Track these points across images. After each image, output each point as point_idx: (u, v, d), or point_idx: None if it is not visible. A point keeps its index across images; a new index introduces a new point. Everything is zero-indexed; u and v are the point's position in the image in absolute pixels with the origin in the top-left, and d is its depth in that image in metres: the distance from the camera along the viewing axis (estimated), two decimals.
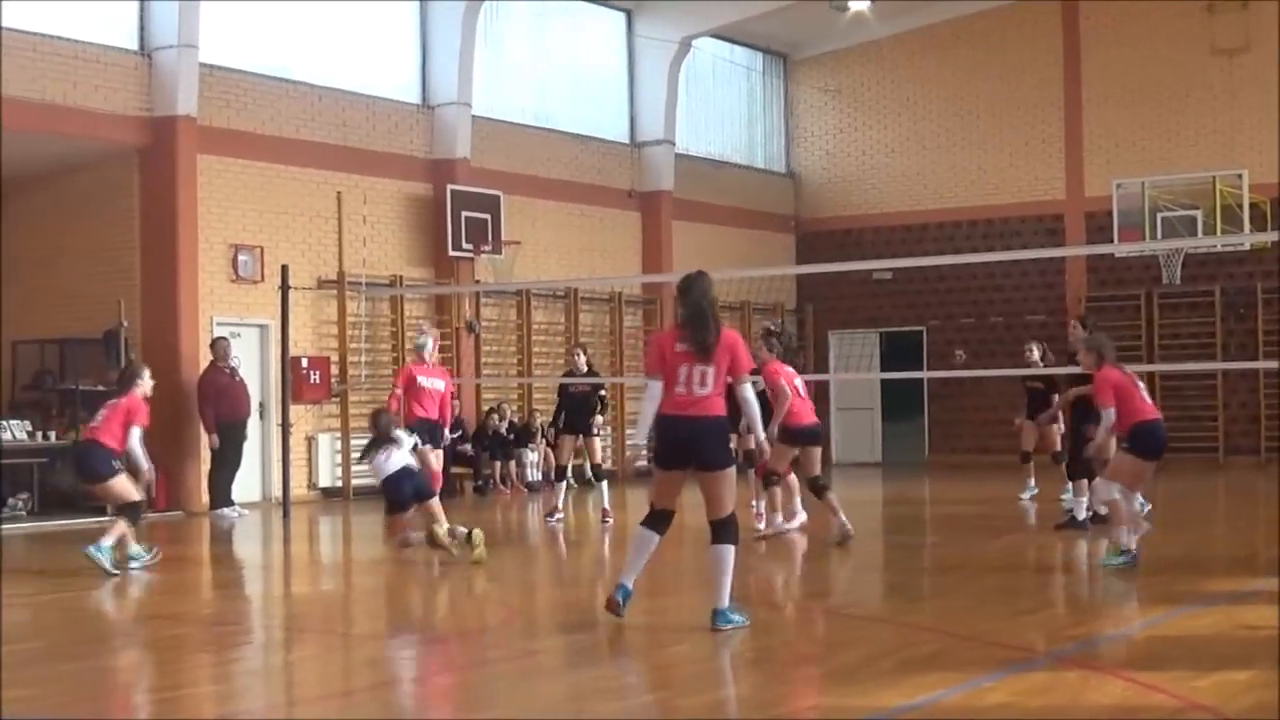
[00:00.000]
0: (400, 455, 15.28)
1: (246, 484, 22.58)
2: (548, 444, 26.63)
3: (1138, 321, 30.62)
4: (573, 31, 29.65)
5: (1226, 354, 29.81)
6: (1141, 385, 14.06)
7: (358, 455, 23.98)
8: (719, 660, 9.97)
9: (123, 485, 14.83)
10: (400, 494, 15.28)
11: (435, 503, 15.46)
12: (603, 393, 20.72)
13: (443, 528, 15.07)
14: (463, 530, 15.09)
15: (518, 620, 11.95)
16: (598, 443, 20.17)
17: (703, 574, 11.59)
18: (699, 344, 10.52)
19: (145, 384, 15.01)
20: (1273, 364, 28.27)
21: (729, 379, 10.69)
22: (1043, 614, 11.65)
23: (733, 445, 11.60)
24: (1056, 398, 20.03)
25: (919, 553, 16.88)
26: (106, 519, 20.39)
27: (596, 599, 11.78)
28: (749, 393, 10.81)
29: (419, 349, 17.89)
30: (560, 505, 19.83)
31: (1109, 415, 13.78)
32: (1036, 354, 21.55)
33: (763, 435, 11.23)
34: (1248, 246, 29.42)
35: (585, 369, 20.45)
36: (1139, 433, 13.82)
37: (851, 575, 14.99)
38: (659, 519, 10.89)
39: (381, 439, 15.40)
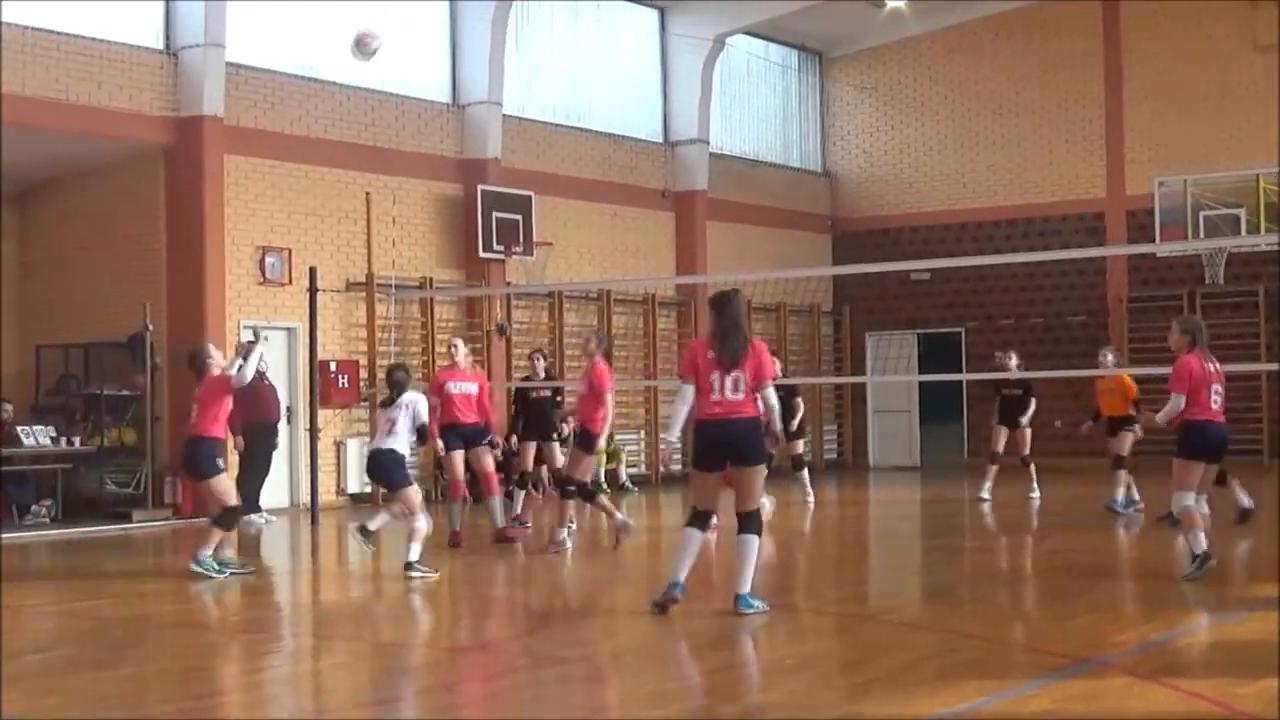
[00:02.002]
0: (394, 434, 14.91)
1: (274, 490, 22.59)
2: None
3: (1183, 315, 30.36)
4: (605, 29, 29.63)
5: (1271, 355, 29.58)
6: (1216, 386, 13.71)
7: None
8: (758, 667, 9.95)
9: (223, 485, 14.91)
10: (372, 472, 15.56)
11: (411, 495, 14.92)
12: (558, 397, 20.76)
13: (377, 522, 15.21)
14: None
15: (549, 627, 11.93)
16: (558, 449, 20.12)
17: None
18: (731, 356, 11.62)
19: (216, 358, 15.26)
20: None
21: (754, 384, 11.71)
22: (1085, 619, 11.57)
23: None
24: (1034, 401, 22.30)
25: (959, 556, 16.82)
26: (139, 525, 20.49)
27: (625, 606, 11.75)
28: (771, 397, 11.82)
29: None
30: (521, 512, 19.74)
31: (1176, 401, 13.56)
32: (1014, 362, 22.82)
33: (779, 426, 12.22)
34: None
35: (544, 375, 20.73)
36: (1186, 431, 13.65)
37: (890, 580, 14.94)
38: (701, 518, 11.85)
39: (387, 403, 15.18)
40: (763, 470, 11.72)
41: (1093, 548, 16.46)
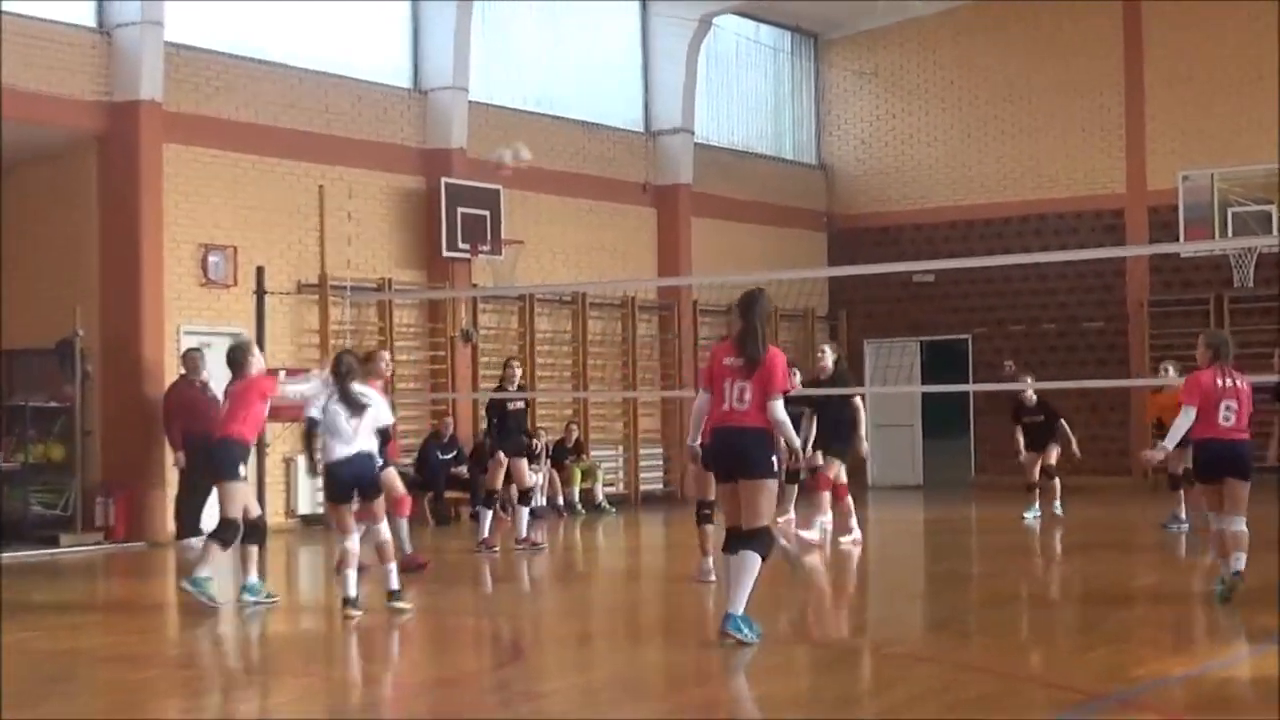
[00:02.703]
0: (353, 435, 13.97)
1: (218, 511, 22.44)
2: (553, 465, 26.62)
3: (1206, 327, 30.42)
4: (580, 8, 29.58)
5: None
6: (1230, 403, 14.11)
7: None
8: (752, 703, 9.92)
9: (232, 494, 14.74)
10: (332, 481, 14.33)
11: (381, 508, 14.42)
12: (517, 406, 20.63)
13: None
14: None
15: (520, 659, 11.89)
16: (525, 465, 20.09)
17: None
18: (746, 360, 11.84)
19: (258, 357, 15.25)
20: None
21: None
22: (1102, 651, 11.56)
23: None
24: (1062, 424, 23.02)
25: (966, 584, 16.80)
26: (67, 550, 20.37)
27: (602, 634, 11.70)
28: (779, 411, 11.78)
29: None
30: (489, 535, 19.71)
31: (1186, 414, 14.06)
32: (1030, 390, 23.30)
33: (798, 444, 12.37)
34: None
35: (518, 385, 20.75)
36: (1195, 449, 14.37)
37: (893, 609, 14.92)
38: (733, 539, 11.82)
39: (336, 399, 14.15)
40: (769, 485, 11.72)
41: (1111, 572, 16.45)
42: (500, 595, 16.23)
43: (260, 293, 22.07)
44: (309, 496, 24.10)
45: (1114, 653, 11.50)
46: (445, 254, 25.64)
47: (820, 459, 19.55)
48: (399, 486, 17.12)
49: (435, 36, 26.22)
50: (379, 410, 14.19)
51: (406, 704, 10.59)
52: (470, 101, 26.50)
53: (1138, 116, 31.89)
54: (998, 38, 33.00)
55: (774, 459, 11.77)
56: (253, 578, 14.68)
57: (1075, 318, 32.14)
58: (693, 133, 30.88)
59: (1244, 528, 14.17)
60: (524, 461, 20.06)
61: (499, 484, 19.97)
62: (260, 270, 22.25)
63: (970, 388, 31.09)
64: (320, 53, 24.88)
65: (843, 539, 19.60)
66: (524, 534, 19.79)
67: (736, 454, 11.76)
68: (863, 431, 20.04)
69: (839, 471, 19.59)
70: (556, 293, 28.00)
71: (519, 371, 20.83)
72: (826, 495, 19.67)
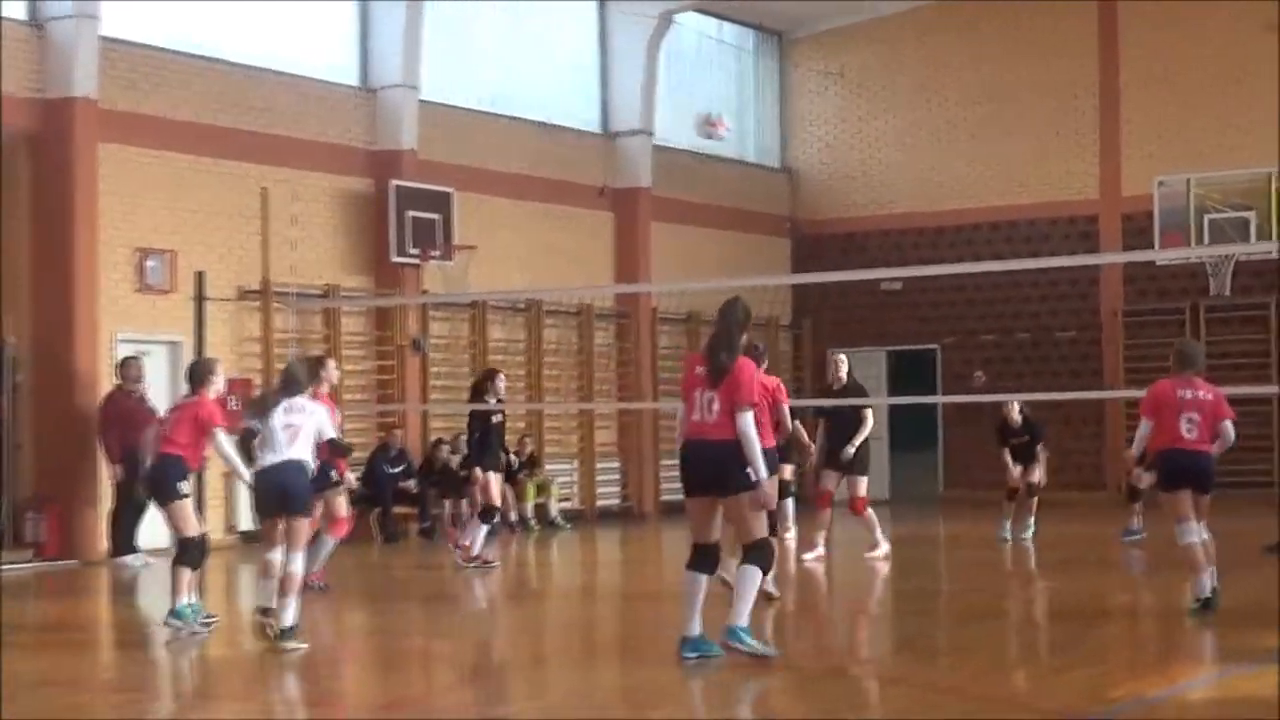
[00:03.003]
0: (286, 445, 13.55)
1: (153, 528, 22.32)
2: (507, 480, 26.53)
3: (1182, 338, 30.49)
4: (537, 5, 29.52)
5: None
6: (1192, 414, 14.37)
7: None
8: None
9: (182, 513, 14.55)
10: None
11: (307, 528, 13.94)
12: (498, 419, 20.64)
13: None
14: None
15: (470, 685, 11.83)
16: (494, 480, 20.02)
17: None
18: (712, 369, 11.75)
19: (219, 381, 14.87)
20: None
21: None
22: (1078, 672, 11.56)
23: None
24: (1040, 447, 22.99)
25: (935, 602, 16.80)
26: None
27: (558, 656, 11.65)
28: (745, 424, 11.64)
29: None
30: (483, 550, 19.67)
31: (1143, 426, 14.65)
32: (1017, 411, 23.27)
33: (764, 472, 11.80)
34: None
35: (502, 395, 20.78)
36: (1158, 460, 14.77)
37: (859, 628, 14.89)
38: (700, 557, 11.80)
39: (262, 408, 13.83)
40: (749, 498, 11.59)
41: (1086, 589, 16.48)
42: (452, 615, 16.16)
43: (200, 299, 21.96)
44: (250, 512, 23.95)
45: (1090, 673, 11.51)
46: (394, 259, 25.56)
47: (824, 477, 19.97)
48: (341, 509, 16.92)
49: (385, 33, 26.14)
50: (321, 423, 13.89)
51: None
52: (421, 101, 26.43)
53: (1112, 119, 31.99)
54: (968, 37, 33.06)
55: (749, 470, 11.60)
56: (184, 600, 14.43)
57: (1047, 327, 32.22)
58: (652, 134, 30.86)
59: (1207, 535, 14.42)
60: (501, 478, 20.02)
61: (497, 499, 19.88)
62: (200, 276, 22.14)
63: (939, 399, 31.15)
64: (264, 49, 24.78)
65: (869, 554, 19.88)
66: (477, 551, 19.70)
67: (706, 468, 11.69)
68: (858, 440, 20.05)
69: (862, 488, 19.95)
70: (510, 300, 27.93)
71: (504, 383, 20.84)
72: (828, 513, 20.05)
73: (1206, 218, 29.53)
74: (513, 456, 25.26)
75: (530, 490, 26.75)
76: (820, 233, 34.28)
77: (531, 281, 28.33)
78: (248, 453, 13.92)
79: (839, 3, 33.15)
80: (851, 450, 19.93)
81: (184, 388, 22.59)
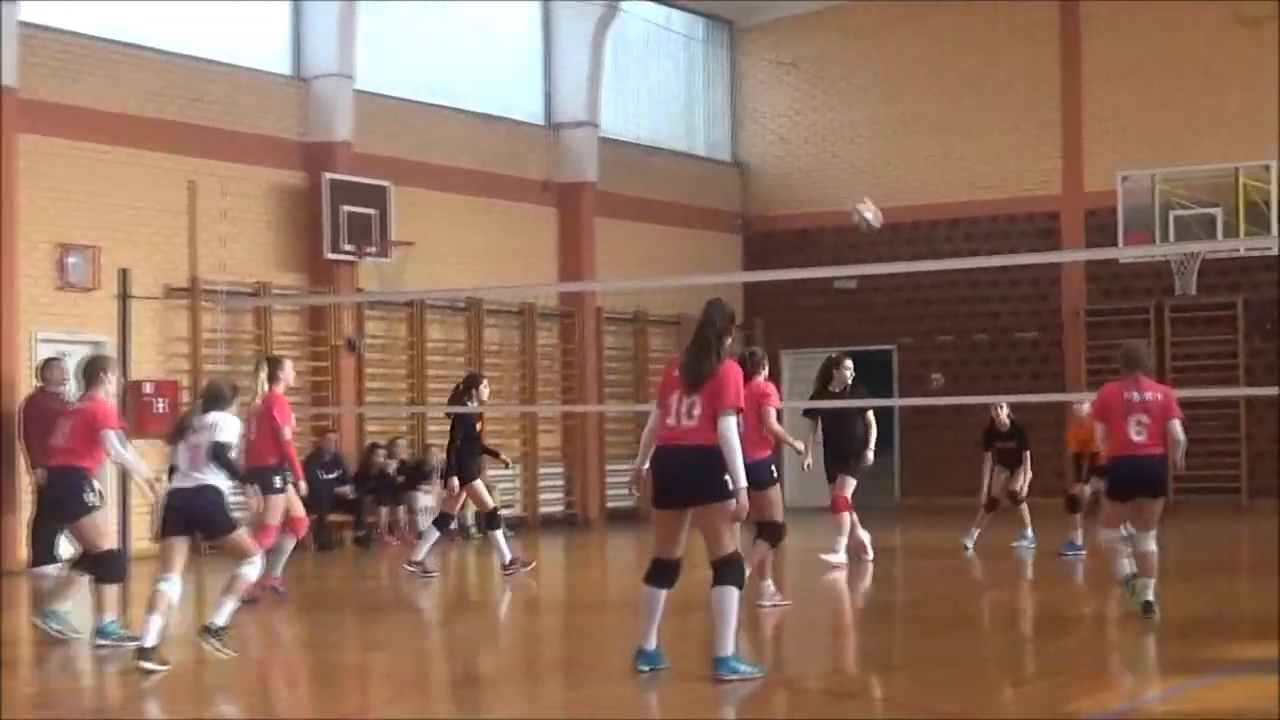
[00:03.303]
0: (189, 465, 13.41)
1: (84, 549, 22.18)
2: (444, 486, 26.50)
3: (1145, 338, 30.65)
4: None
5: (1250, 377, 29.92)
6: (1140, 417, 14.66)
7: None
8: None
9: (93, 527, 14.38)
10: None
11: (244, 538, 13.74)
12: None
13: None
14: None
15: (407, 698, 11.81)
16: (475, 487, 20.03)
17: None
18: (693, 374, 11.63)
19: (110, 382, 14.71)
20: None
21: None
22: (1039, 685, 11.67)
23: None
24: (1028, 454, 22.69)
25: (891, 613, 16.84)
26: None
27: (497, 672, 11.64)
28: (727, 430, 11.47)
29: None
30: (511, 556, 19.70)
31: (1098, 430, 15.08)
32: (1005, 413, 23.03)
33: (743, 480, 11.52)
34: (1276, 251, 29.51)
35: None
36: (1109, 465, 15.08)
37: (812, 641, 14.93)
38: (660, 572, 11.70)
39: (183, 426, 13.70)
40: (725, 509, 11.40)
41: (1046, 601, 16.54)
42: (389, 626, 16.12)
43: (124, 297, 21.78)
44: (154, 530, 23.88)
45: (1049, 686, 11.59)
46: (328, 256, 25.52)
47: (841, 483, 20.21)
48: (296, 509, 17.26)
49: (318, 19, 26.08)
50: (220, 433, 13.41)
51: None
52: (356, 90, 26.38)
53: (1075, 113, 32.13)
54: (927, 27, 33.12)
55: (727, 479, 11.43)
56: (109, 618, 14.32)
57: (1007, 328, 32.33)
58: (598, 126, 30.86)
59: (1153, 547, 14.68)
60: (482, 484, 19.98)
61: (489, 504, 19.94)
62: (124, 273, 21.96)
63: (895, 402, 31.18)
64: (193, 36, 24.70)
65: (826, 555, 20.10)
66: (420, 557, 19.68)
67: (683, 476, 11.52)
68: (872, 444, 20.50)
69: (849, 488, 20.27)
70: (449, 299, 27.90)
71: (488, 389, 20.90)
72: (845, 516, 20.28)
73: (1171, 214, 29.66)
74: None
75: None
76: (772, 229, 34.34)
77: (472, 279, 28.29)
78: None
79: None
80: (871, 457, 20.45)
81: (76, 392, 22.65)
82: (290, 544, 17.56)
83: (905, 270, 29.86)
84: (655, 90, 33.56)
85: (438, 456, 26.52)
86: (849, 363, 20.87)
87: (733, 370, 11.70)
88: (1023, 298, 32.29)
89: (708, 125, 34.90)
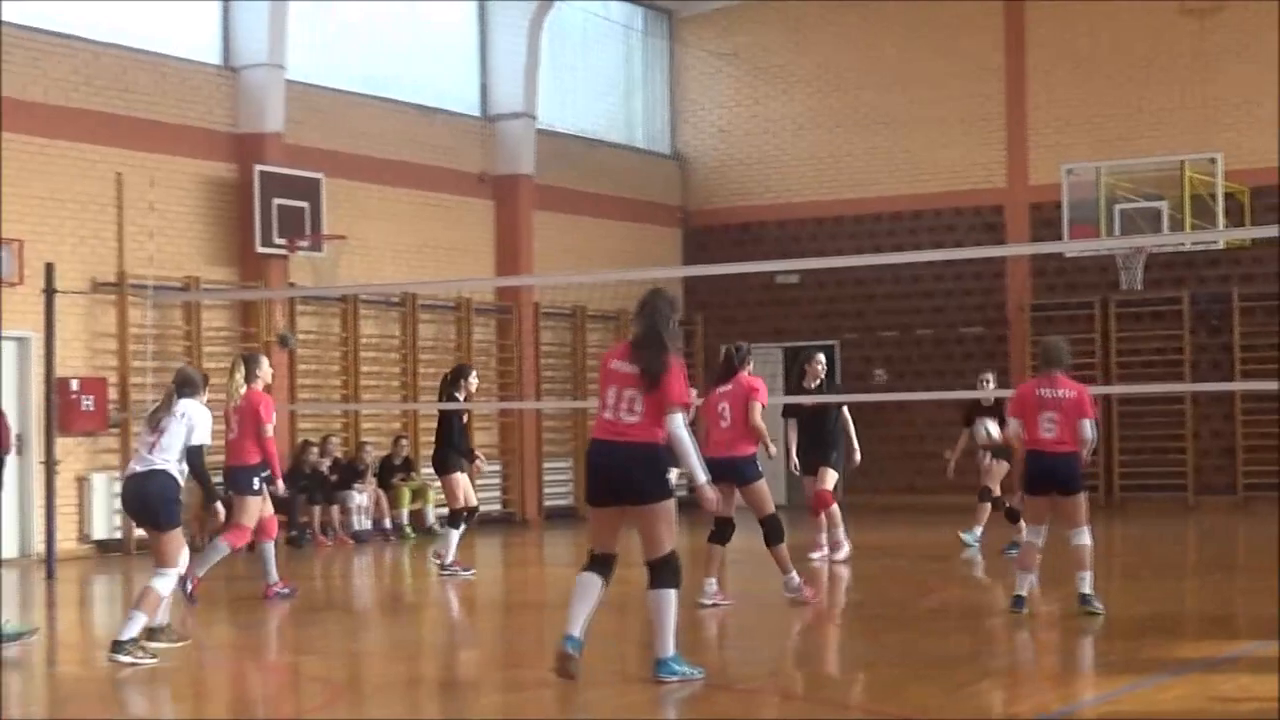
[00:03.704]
0: (161, 451, 13.42)
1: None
2: (380, 485, 26.52)
3: (1091, 334, 30.87)
4: None
5: (1196, 373, 30.11)
6: (1052, 414, 14.93)
7: None
8: None
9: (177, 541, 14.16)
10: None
11: (176, 543, 13.42)
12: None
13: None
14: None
15: (342, 700, 11.80)
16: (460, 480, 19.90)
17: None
18: (646, 373, 11.36)
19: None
20: (1251, 385, 28.64)
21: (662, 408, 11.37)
22: (982, 685, 11.70)
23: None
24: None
25: (834, 614, 16.86)
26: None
27: (434, 675, 11.62)
28: (677, 427, 11.30)
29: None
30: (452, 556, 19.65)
31: (1012, 425, 15.48)
32: (992, 385, 22.72)
33: (703, 477, 11.45)
34: (1222, 245, 29.70)
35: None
36: (1025, 463, 15.45)
37: (754, 642, 14.93)
38: (597, 562, 11.54)
39: (156, 411, 13.70)
40: (665, 507, 11.28)
41: (991, 600, 16.61)
42: (320, 628, 16.08)
43: (50, 292, 21.70)
44: (105, 520, 23.85)
45: (993, 688, 11.65)
46: (259, 250, 25.46)
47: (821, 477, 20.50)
48: (266, 510, 17.26)
49: (249, 8, 26.00)
50: (192, 428, 13.49)
51: None
52: (288, 81, 26.31)
53: (1019, 106, 32.26)
54: (870, 18, 33.20)
55: (668, 478, 11.34)
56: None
57: (952, 323, 32.43)
58: (535, 118, 30.86)
59: (1085, 541, 14.94)
60: (465, 478, 19.89)
61: (470, 500, 19.75)
62: (50, 267, 21.89)
63: (838, 398, 31.17)
64: (120, 25, 24.60)
65: (812, 555, 20.41)
66: (450, 560, 19.57)
67: (620, 474, 11.33)
68: (854, 440, 20.92)
69: (830, 481, 20.57)
70: (383, 293, 27.86)
71: (476, 382, 20.76)
72: (836, 510, 20.68)
73: (1117, 208, 29.73)
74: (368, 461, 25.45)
75: (405, 495, 26.69)
76: (713, 223, 34.39)
77: (406, 274, 28.29)
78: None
79: None
80: (858, 457, 21.04)
81: (38, 386, 22.62)
82: (271, 547, 17.52)
83: (848, 264, 29.97)
84: (593, 81, 33.57)
85: (372, 454, 26.58)
86: (821, 357, 21.07)
87: (677, 364, 11.47)
88: (967, 292, 32.40)
89: (647, 117, 34.92)
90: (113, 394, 24.09)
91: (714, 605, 16.04)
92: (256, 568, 18.58)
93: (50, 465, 21.80)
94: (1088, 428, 14.92)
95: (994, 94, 32.43)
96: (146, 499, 13.31)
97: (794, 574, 16.39)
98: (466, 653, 14.70)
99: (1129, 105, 31.30)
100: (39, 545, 22.38)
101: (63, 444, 22.53)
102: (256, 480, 17.09)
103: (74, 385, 23.39)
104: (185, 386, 13.71)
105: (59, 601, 19.30)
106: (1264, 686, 11.28)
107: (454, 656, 14.53)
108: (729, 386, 16.42)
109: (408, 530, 26.58)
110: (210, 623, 16.09)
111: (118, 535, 24.02)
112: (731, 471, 16.14)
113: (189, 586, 16.23)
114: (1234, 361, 29.95)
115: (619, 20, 34.19)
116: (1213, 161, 29.53)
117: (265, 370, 17.74)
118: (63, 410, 22.74)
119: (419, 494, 27.02)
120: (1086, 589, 14.86)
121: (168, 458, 13.38)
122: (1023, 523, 15.57)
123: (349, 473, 26.20)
